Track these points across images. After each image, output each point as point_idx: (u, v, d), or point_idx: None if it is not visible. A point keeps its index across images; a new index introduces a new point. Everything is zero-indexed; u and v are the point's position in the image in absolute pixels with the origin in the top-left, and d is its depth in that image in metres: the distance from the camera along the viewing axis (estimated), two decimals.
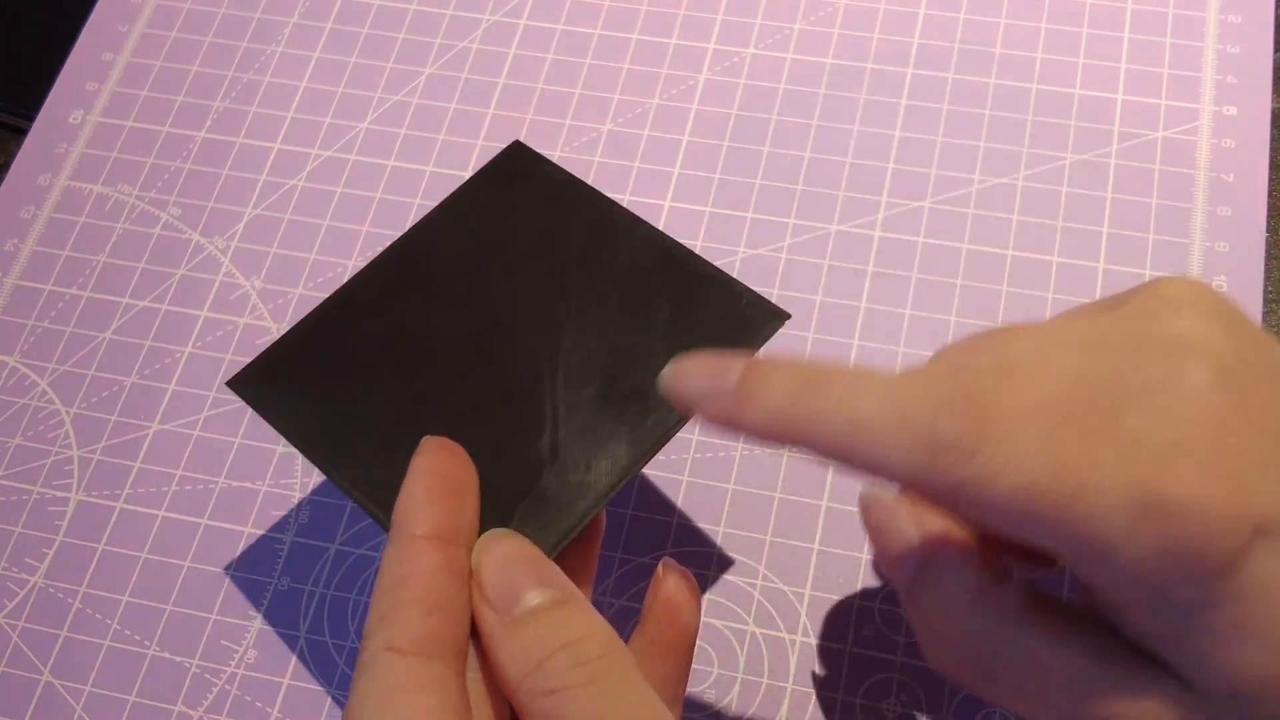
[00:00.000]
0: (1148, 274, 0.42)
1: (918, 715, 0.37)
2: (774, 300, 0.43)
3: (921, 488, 0.27)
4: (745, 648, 0.38)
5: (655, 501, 0.40)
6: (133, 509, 0.42)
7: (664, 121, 0.47)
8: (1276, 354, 0.29)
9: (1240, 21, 0.46)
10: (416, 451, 0.31)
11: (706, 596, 0.39)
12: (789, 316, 0.33)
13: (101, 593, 0.40)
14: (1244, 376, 0.27)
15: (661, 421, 0.32)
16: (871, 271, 0.43)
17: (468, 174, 0.41)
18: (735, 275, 0.43)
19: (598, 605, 0.37)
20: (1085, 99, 0.45)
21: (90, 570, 0.41)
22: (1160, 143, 0.44)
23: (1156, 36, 0.46)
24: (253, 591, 0.40)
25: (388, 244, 0.36)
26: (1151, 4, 0.47)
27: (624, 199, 0.34)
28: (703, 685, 0.38)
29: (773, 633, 0.38)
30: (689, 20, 0.49)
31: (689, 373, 0.29)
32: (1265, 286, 0.42)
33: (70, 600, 0.40)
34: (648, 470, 0.40)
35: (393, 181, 0.46)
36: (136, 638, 0.40)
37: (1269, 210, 0.43)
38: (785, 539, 0.39)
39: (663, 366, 0.31)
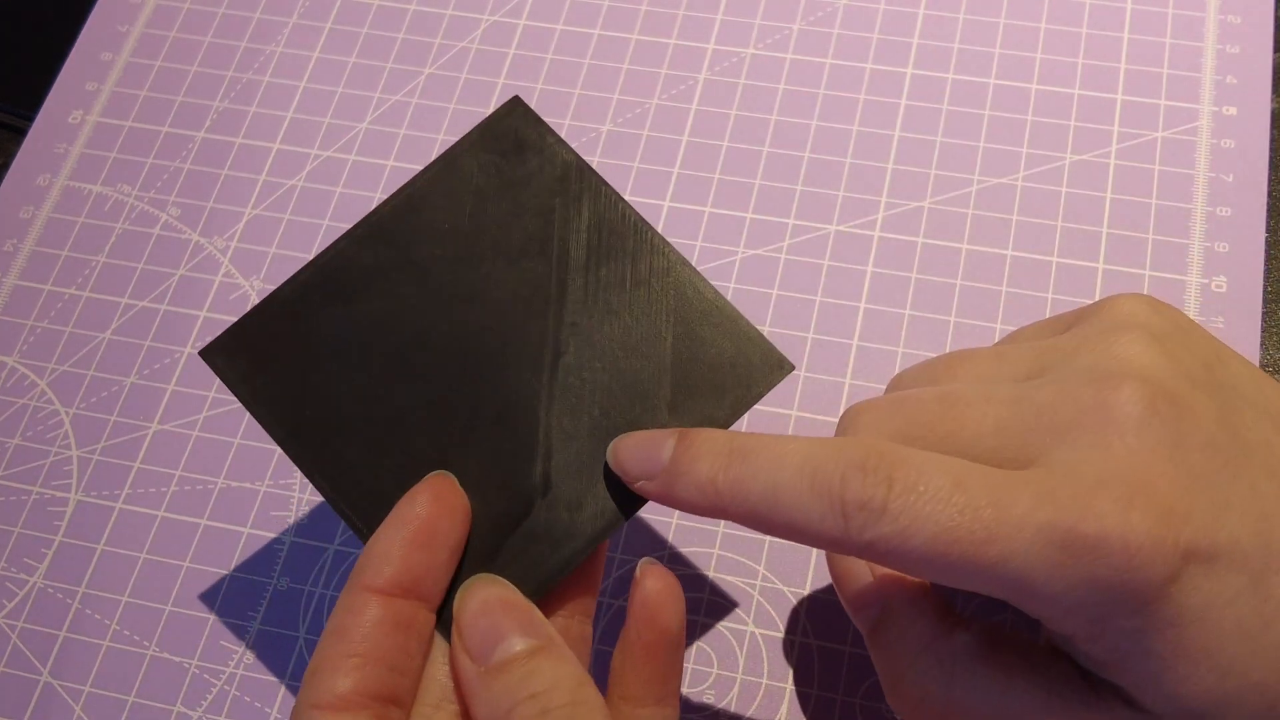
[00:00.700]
0: (1147, 274, 0.42)
1: None
2: (773, 300, 0.43)
3: (840, 548, 0.28)
4: (745, 648, 0.38)
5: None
6: (132, 509, 0.42)
7: (664, 121, 0.47)
8: (1226, 371, 0.30)
9: (1240, 22, 0.46)
10: (409, 494, 0.31)
11: (706, 597, 0.39)
12: (793, 368, 0.32)
13: (101, 593, 0.40)
14: (1182, 399, 0.28)
15: None
16: (871, 272, 0.43)
17: None
18: (735, 275, 0.43)
19: (598, 604, 0.37)
20: (1085, 99, 0.45)
21: (90, 571, 0.41)
22: (1160, 143, 0.44)
23: (1156, 37, 0.46)
24: (252, 592, 0.40)
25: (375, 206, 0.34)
26: (1151, 4, 0.47)
27: (627, 200, 0.34)
28: (702, 686, 0.38)
29: (772, 633, 0.38)
30: (688, 20, 0.49)
31: (627, 452, 0.31)
32: (1265, 286, 0.42)
33: (70, 601, 0.40)
34: None
35: (393, 181, 0.46)
36: (136, 638, 0.40)
37: (1269, 210, 0.43)
38: (785, 540, 0.39)
39: (660, 403, 0.31)
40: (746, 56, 0.48)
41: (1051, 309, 0.42)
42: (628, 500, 0.31)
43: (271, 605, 0.40)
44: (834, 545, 0.28)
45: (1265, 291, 0.42)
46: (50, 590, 0.41)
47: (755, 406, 0.33)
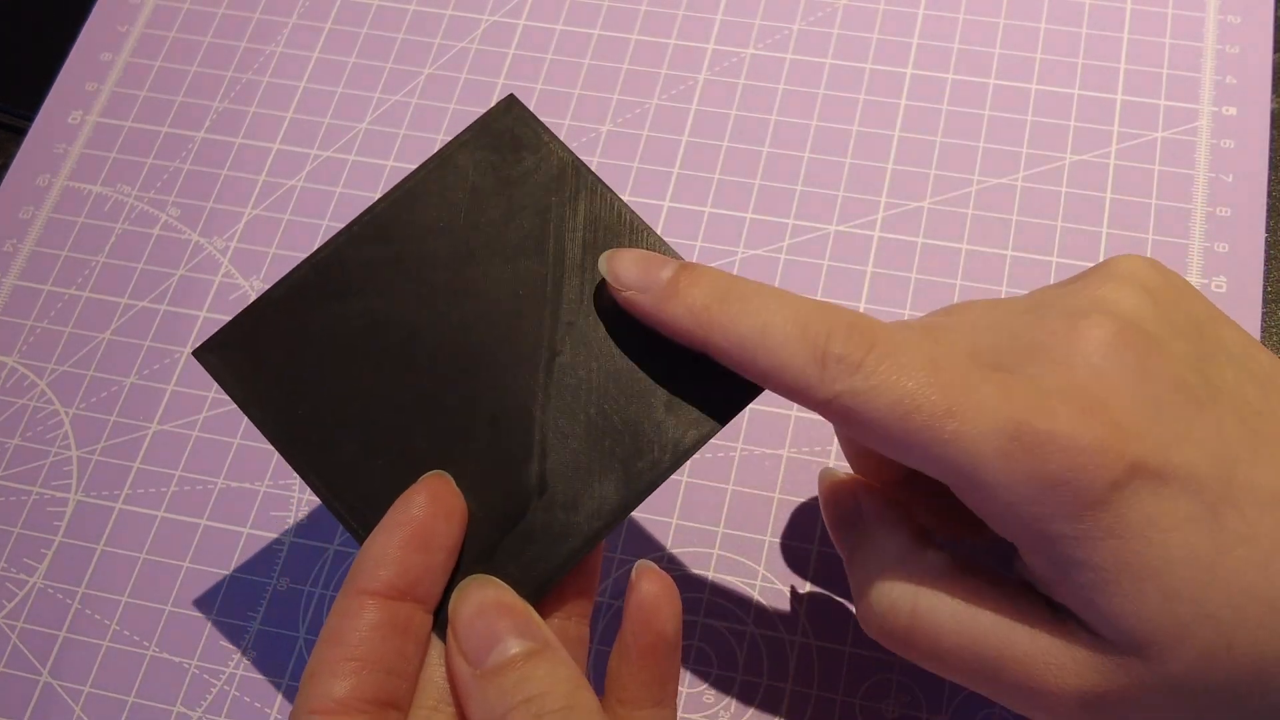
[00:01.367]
0: None
1: (917, 715, 0.37)
2: None
3: (810, 397, 0.29)
4: (744, 648, 0.38)
5: (655, 501, 0.40)
6: (132, 509, 0.42)
7: (663, 122, 0.47)
8: (1215, 329, 0.30)
9: (1240, 22, 0.46)
10: (405, 495, 0.31)
11: (706, 597, 0.39)
12: None
13: (101, 593, 0.40)
14: (1155, 341, 0.29)
15: (654, 465, 0.31)
16: (871, 272, 0.43)
17: None
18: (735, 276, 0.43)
19: (596, 606, 0.37)
20: (1084, 99, 0.45)
21: (89, 571, 0.41)
22: (1160, 143, 0.44)
23: (1156, 37, 0.46)
24: (252, 592, 0.40)
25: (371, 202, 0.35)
26: (1151, 4, 0.47)
27: (624, 199, 0.34)
28: (702, 686, 0.38)
29: (772, 633, 0.38)
30: (688, 20, 0.49)
31: (627, 260, 0.32)
32: (1265, 287, 0.42)
33: (69, 601, 0.40)
34: None
35: (392, 182, 0.46)
36: (135, 638, 0.40)
37: (1269, 210, 0.43)
38: (785, 539, 0.39)
39: (657, 401, 0.31)
40: (746, 57, 0.48)
41: None
42: (625, 500, 0.31)
43: (271, 605, 0.40)
44: (804, 393, 0.29)
45: (1265, 292, 0.42)
46: (50, 590, 0.41)
47: (752, 406, 0.33)
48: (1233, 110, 0.45)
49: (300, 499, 0.41)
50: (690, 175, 0.45)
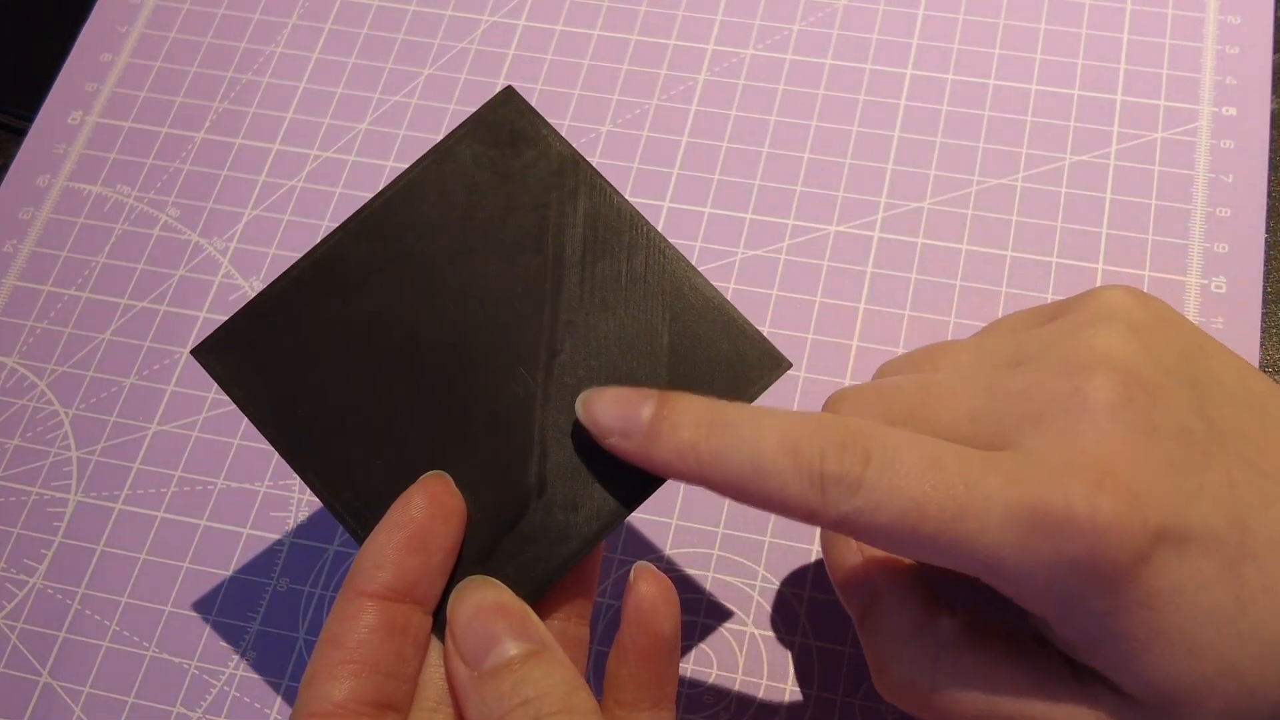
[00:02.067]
0: (1147, 275, 0.42)
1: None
2: (773, 300, 0.43)
3: (816, 520, 0.28)
4: (744, 649, 0.38)
5: (655, 502, 0.40)
6: (132, 510, 0.42)
7: (663, 122, 0.47)
8: (1206, 361, 0.30)
9: (1240, 22, 0.46)
10: (404, 495, 0.31)
11: (705, 597, 0.39)
12: (790, 365, 0.32)
13: (100, 594, 0.40)
14: (1155, 392, 0.28)
15: None
16: (870, 272, 0.43)
17: None
18: (734, 276, 0.43)
19: (596, 606, 0.37)
20: (1084, 100, 0.45)
21: (89, 571, 0.41)
22: (1159, 144, 0.44)
23: (1156, 37, 0.46)
24: (252, 593, 0.40)
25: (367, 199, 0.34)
26: (1151, 5, 0.47)
27: (620, 191, 0.34)
28: (702, 687, 0.38)
29: (772, 634, 0.38)
30: (688, 21, 0.49)
31: (603, 406, 0.30)
32: (1265, 287, 0.42)
33: (69, 601, 0.40)
34: None
35: None
36: (135, 639, 0.40)
37: (1269, 211, 0.43)
38: (785, 540, 0.39)
39: None
40: (746, 57, 0.48)
41: None
42: (625, 501, 0.31)
43: (271, 606, 0.40)
44: (810, 518, 0.28)
45: (1265, 292, 0.42)
46: (50, 591, 0.41)
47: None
48: (1233, 110, 0.45)
49: (300, 499, 0.41)
50: (690, 175, 0.45)
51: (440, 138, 0.32)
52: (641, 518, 0.40)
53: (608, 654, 0.32)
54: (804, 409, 0.41)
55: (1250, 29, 0.46)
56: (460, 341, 0.32)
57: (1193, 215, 0.43)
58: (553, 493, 0.31)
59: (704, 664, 0.38)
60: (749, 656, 0.38)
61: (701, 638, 0.38)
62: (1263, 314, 0.41)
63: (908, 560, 0.32)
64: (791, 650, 0.38)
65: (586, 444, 0.31)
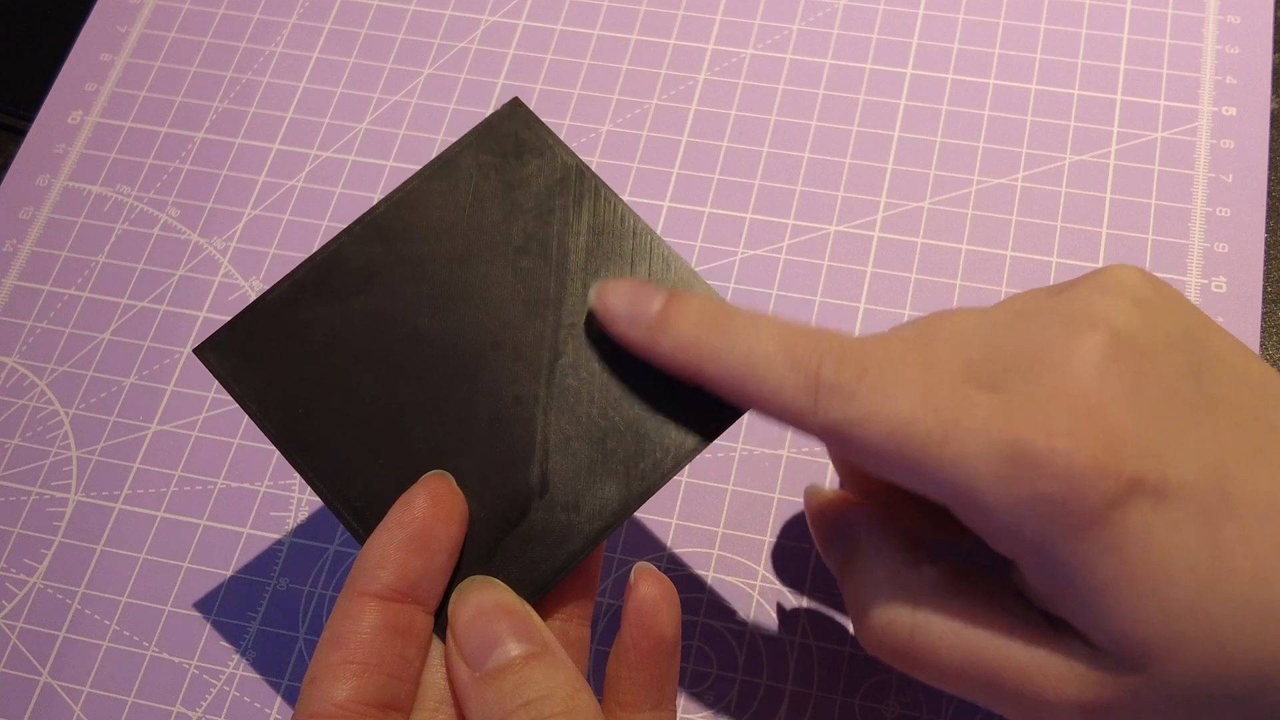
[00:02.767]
0: None
1: (917, 715, 0.37)
2: (773, 300, 0.43)
3: (804, 425, 0.29)
4: (744, 649, 0.38)
5: (655, 502, 0.40)
6: (131, 510, 0.42)
7: (663, 122, 0.47)
8: (1207, 338, 0.30)
9: (1239, 22, 0.46)
10: (406, 495, 0.31)
11: (705, 597, 0.39)
12: None
13: (100, 594, 0.40)
14: (1148, 353, 0.28)
15: (655, 466, 0.31)
16: (870, 272, 0.43)
17: None
18: (734, 275, 0.43)
19: (596, 606, 0.37)
20: (1084, 99, 0.45)
21: (89, 571, 0.41)
22: (1159, 143, 0.44)
23: (1155, 37, 0.46)
24: (251, 592, 0.40)
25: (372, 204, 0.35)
26: (1150, 4, 0.47)
27: (627, 203, 0.34)
28: (702, 686, 0.38)
29: (772, 633, 0.38)
30: (688, 21, 0.49)
31: (616, 294, 0.32)
32: (1265, 287, 0.42)
33: (69, 601, 0.40)
34: None
35: (392, 182, 0.46)
36: (135, 639, 0.40)
37: (1269, 210, 0.43)
38: (785, 540, 0.39)
39: (660, 403, 0.31)
40: (746, 57, 0.48)
41: None
42: (626, 500, 0.31)
43: (271, 606, 0.40)
44: (798, 421, 0.29)
45: (1265, 292, 0.42)
46: (50, 591, 0.41)
47: None
48: (1233, 110, 0.45)
49: (300, 499, 0.41)
50: (690, 175, 0.45)
51: (440, 138, 0.32)
52: (641, 518, 0.40)
53: (607, 655, 0.32)
54: None
55: (1250, 29, 0.46)
56: (463, 343, 0.32)
57: (1193, 215, 0.43)
58: (555, 493, 0.31)
59: (704, 663, 0.38)
60: (749, 656, 0.38)
61: (701, 638, 0.38)
62: (1263, 314, 0.41)
63: (888, 510, 0.33)
64: (792, 650, 0.38)
65: (588, 445, 0.31)
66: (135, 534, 0.41)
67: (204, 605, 0.40)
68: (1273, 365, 0.41)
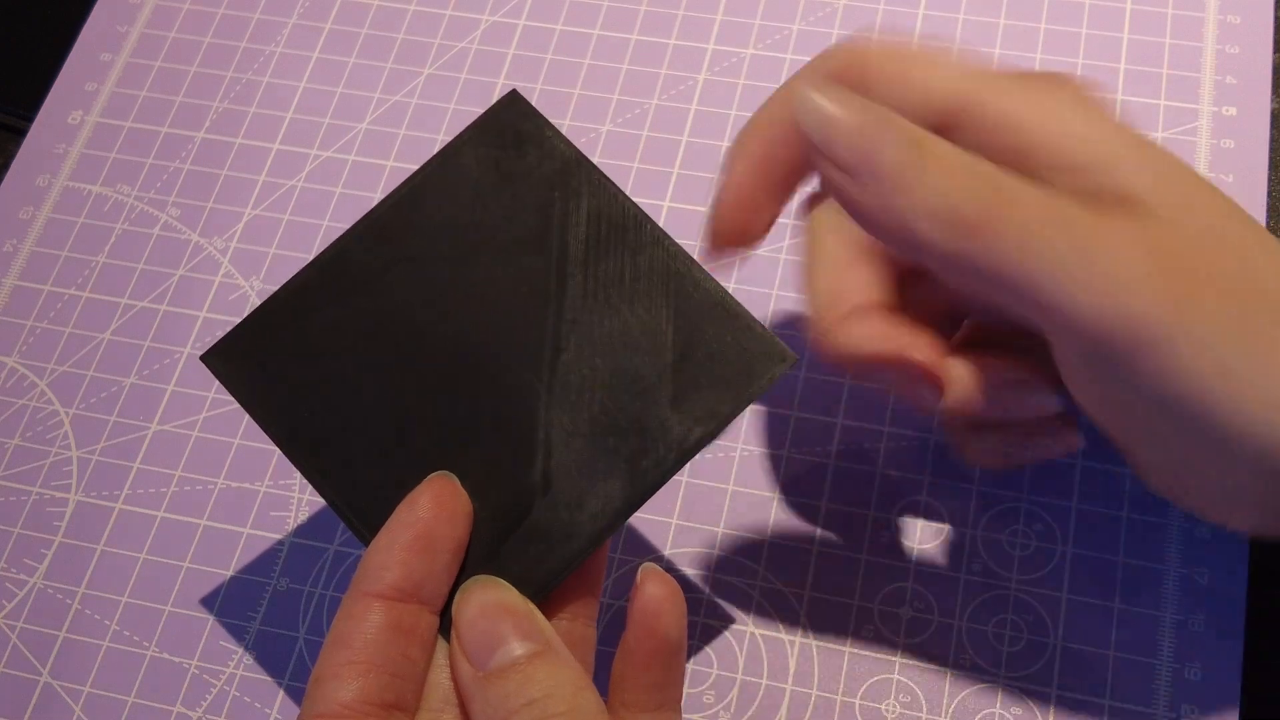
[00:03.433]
0: None
1: (917, 715, 0.37)
2: (773, 300, 0.43)
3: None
4: (744, 648, 0.38)
5: (655, 501, 0.40)
6: (132, 510, 0.42)
7: (663, 122, 0.47)
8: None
9: (1239, 22, 0.46)
10: (410, 496, 0.31)
11: (706, 597, 0.39)
12: (796, 359, 0.32)
13: (100, 593, 0.40)
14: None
15: (658, 463, 0.31)
16: None
17: None
18: (735, 276, 0.43)
19: (599, 606, 0.37)
20: None
21: (89, 571, 0.41)
22: (1159, 143, 0.44)
23: (1156, 37, 0.46)
24: (252, 592, 0.40)
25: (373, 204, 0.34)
26: (1151, 4, 0.47)
27: (627, 193, 0.34)
28: (702, 686, 0.38)
29: (772, 633, 0.38)
30: (688, 21, 0.49)
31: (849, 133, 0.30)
32: None
33: (69, 601, 0.40)
34: None
35: (392, 182, 0.46)
36: (135, 639, 0.40)
37: (1269, 210, 0.43)
38: (785, 540, 0.39)
39: (662, 399, 0.31)
40: (746, 57, 0.48)
41: None
42: (630, 498, 0.31)
43: (271, 606, 0.40)
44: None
45: None
46: (50, 590, 0.41)
47: (753, 406, 0.33)
48: (1233, 110, 0.45)
49: (300, 499, 0.41)
50: (690, 175, 0.45)
51: (440, 137, 0.32)
52: (642, 518, 0.40)
53: (609, 654, 0.32)
54: (804, 408, 0.41)
55: (1250, 29, 0.46)
56: (465, 342, 0.32)
57: None
58: (558, 491, 0.31)
59: (704, 663, 0.38)
60: (749, 655, 0.38)
61: (701, 638, 0.38)
62: None
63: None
64: (791, 650, 0.38)
65: (590, 442, 0.31)
66: (135, 534, 0.41)
67: (204, 605, 0.40)
68: None
